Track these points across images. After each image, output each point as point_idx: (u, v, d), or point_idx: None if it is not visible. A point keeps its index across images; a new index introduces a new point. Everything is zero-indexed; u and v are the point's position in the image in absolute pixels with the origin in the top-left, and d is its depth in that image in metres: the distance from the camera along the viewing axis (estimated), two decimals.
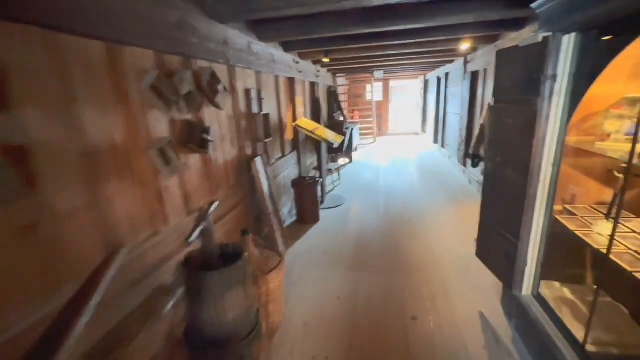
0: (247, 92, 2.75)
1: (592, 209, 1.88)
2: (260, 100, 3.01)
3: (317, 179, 3.74)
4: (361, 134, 9.81)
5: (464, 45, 3.72)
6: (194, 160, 1.99)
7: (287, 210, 3.90)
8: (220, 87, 2.15)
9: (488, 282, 2.37)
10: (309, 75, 4.77)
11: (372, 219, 3.81)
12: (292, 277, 2.65)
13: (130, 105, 1.45)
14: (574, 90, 1.49)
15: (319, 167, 4.29)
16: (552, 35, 1.48)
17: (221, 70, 2.32)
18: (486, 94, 4.33)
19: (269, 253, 2.05)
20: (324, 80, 6.25)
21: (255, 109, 2.87)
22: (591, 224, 1.69)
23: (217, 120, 2.26)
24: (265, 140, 3.01)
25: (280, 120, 3.71)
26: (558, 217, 1.80)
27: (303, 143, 4.57)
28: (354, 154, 7.72)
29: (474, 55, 4.65)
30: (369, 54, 4.28)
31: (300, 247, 3.20)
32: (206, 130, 2.04)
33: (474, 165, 3.39)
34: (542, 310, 1.72)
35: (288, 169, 3.96)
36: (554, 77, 1.49)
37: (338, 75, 7.89)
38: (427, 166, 6.36)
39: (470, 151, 3.09)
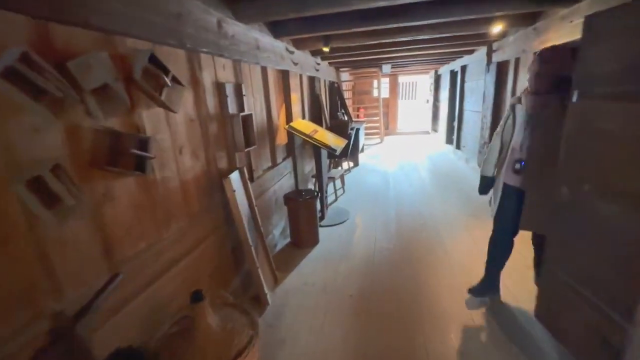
0: (220, 86, 2.10)
1: None
2: (240, 97, 2.36)
3: (316, 194, 3.08)
4: (367, 134, 9.12)
5: (496, 28, 3.01)
6: (124, 187, 1.34)
7: (280, 231, 3.25)
8: (168, 80, 1.49)
9: (549, 346, 1.70)
10: (306, 69, 4.10)
11: (382, 241, 3.14)
12: (280, 332, 2.00)
13: None
14: None
15: (318, 177, 3.63)
16: None
17: (175, 57, 1.67)
18: (518, 88, 3.61)
19: (238, 322, 1.40)
20: (326, 75, 5.57)
21: (232, 109, 2.21)
22: None
23: (168, 126, 1.61)
24: (248, 149, 2.36)
25: (270, 122, 3.05)
26: None
27: (300, 148, 3.91)
28: (360, 156, 7.05)
29: (502, 43, 3.93)
30: (377, 42, 3.59)
31: (292, 282, 2.54)
32: (143, 143, 1.39)
33: (482, 191, 2.31)
34: None
35: (281, 181, 3.30)
36: None
37: (342, 69, 7.20)
38: (442, 171, 5.66)
39: (481, 171, 2.26)
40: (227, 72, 2.22)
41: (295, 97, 3.68)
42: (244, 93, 2.39)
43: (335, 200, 4.39)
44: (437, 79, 9.09)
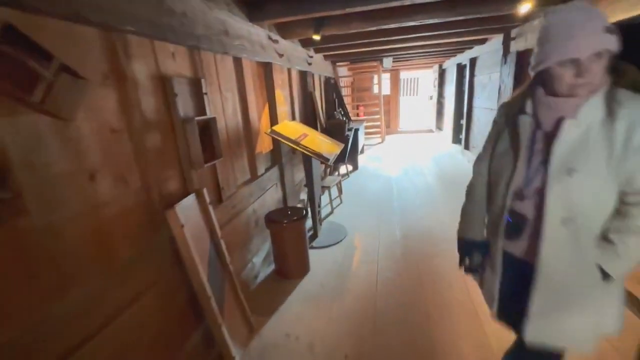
0: (164, 82, 1.54)
1: None
2: (199, 96, 1.80)
3: (304, 212, 2.52)
4: (367, 133, 8.55)
5: (524, 6, 2.44)
6: None
7: (263, 257, 2.70)
8: (49, 72, 0.94)
9: None
10: (296, 62, 3.53)
11: (386, 270, 2.59)
12: None
13: None
14: None
15: (309, 190, 3.07)
16: None
17: (75, 37, 1.11)
18: None
19: None
20: (320, 70, 5.00)
21: (184, 112, 1.66)
22: None
23: (62, 142, 1.06)
24: (211, 163, 1.81)
25: (248, 126, 2.49)
26: None
27: (289, 153, 3.36)
28: (359, 158, 6.49)
29: (524, 28, 3.35)
30: (377, 28, 3.01)
31: (272, 333, 1.99)
32: None
33: (466, 265, 1.32)
34: None
35: (264, 196, 2.75)
36: None
37: (339, 64, 6.62)
38: (451, 176, 5.09)
39: (458, 230, 1.37)
40: (178, 63, 1.66)
41: (281, 95, 3.12)
42: (204, 91, 1.83)
43: (331, 212, 3.84)
44: (442, 74, 8.50)
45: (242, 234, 2.35)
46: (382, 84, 7.70)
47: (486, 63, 4.88)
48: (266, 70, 2.87)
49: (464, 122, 6.00)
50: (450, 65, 7.36)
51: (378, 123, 8.52)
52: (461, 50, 6.03)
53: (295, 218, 2.40)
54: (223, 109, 2.12)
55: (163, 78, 1.53)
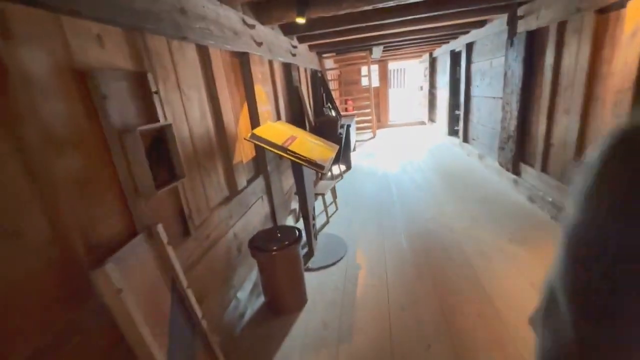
0: (82, 77, 1.05)
1: None
2: (146, 97, 1.32)
3: (298, 234, 2.06)
4: (358, 128, 8.12)
5: None
6: None
7: (250, 288, 2.23)
8: None
9: None
10: (278, 52, 3.05)
11: (398, 294, 2.17)
12: None
13: None
14: None
15: (301, 202, 2.61)
16: None
17: None
18: (567, 66, 2.64)
19: None
20: (306, 62, 4.51)
21: (121, 120, 1.17)
22: None
23: None
24: (167, 187, 1.33)
25: (221, 131, 2.01)
26: None
27: (275, 158, 2.89)
28: (351, 155, 6.06)
29: (535, 4, 2.95)
30: (372, 7, 2.56)
31: None
32: None
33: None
34: None
35: (247, 215, 2.28)
36: None
37: (325, 55, 6.14)
38: (453, 171, 4.71)
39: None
40: (108, 51, 1.17)
41: (263, 91, 2.64)
42: (154, 89, 1.35)
43: (327, 222, 3.40)
44: (433, 63, 8.11)
45: (221, 269, 1.88)
46: (371, 76, 7.25)
47: (486, 48, 4.49)
48: (242, 61, 2.38)
49: (461, 112, 5.62)
50: (442, 53, 6.98)
51: (369, 117, 8.09)
52: (455, 36, 5.63)
53: (287, 242, 1.94)
54: (185, 112, 1.63)
55: (81, 72, 1.04)
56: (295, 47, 3.71)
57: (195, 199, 1.65)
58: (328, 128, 3.71)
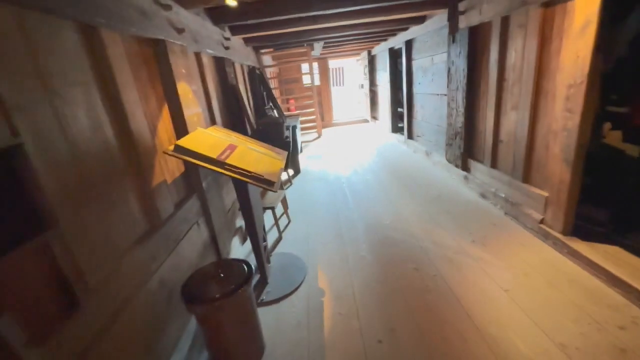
0: None
1: None
2: None
3: (248, 271, 1.62)
4: (303, 129, 7.80)
5: None
6: None
7: (188, 346, 1.73)
8: None
9: None
10: (206, 43, 2.54)
11: (371, 325, 1.88)
12: None
13: None
14: None
15: (247, 221, 2.15)
16: None
17: None
18: (511, 61, 2.63)
19: None
20: (242, 58, 4.01)
21: None
22: None
23: None
24: (15, 251, 0.81)
25: (130, 143, 1.47)
26: None
27: (214, 173, 2.38)
28: (299, 157, 5.72)
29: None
30: None
31: None
32: None
33: None
34: None
35: (177, 249, 1.76)
36: None
37: (263, 51, 5.66)
38: (403, 170, 4.65)
39: None
40: None
41: (189, 90, 2.12)
42: None
43: (279, 239, 2.99)
44: (372, 60, 8.15)
45: (140, 335, 1.36)
46: (314, 73, 6.96)
47: (426, 45, 4.49)
48: (158, 52, 1.84)
49: (404, 110, 5.64)
50: (381, 50, 7.00)
51: (313, 117, 7.81)
52: (394, 33, 5.62)
53: (233, 286, 1.49)
54: (61, 121, 1.09)
55: None
56: (227, 39, 3.20)
57: (88, 249, 1.12)
58: (273, 131, 3.29)
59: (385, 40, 6.42)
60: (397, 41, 5.66)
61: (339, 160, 5.61)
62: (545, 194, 2.38)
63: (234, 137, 2.25)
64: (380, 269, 2.37)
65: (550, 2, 2.15)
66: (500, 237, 2.58)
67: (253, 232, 2.15)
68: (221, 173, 1.62)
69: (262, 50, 5.60)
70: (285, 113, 7.68)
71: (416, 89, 5.11)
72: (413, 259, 2.43)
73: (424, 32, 4.37)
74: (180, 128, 1.97)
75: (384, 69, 7.00)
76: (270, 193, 3.11)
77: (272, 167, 1.89)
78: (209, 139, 1.87)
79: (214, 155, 1.66)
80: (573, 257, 2.16)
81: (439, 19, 3.82)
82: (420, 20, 4.29)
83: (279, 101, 8.28)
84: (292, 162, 4.93)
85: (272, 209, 2.88)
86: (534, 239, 2.49)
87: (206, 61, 2.66)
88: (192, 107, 2.14)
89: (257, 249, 2.21)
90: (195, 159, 1.60)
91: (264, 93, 5.30)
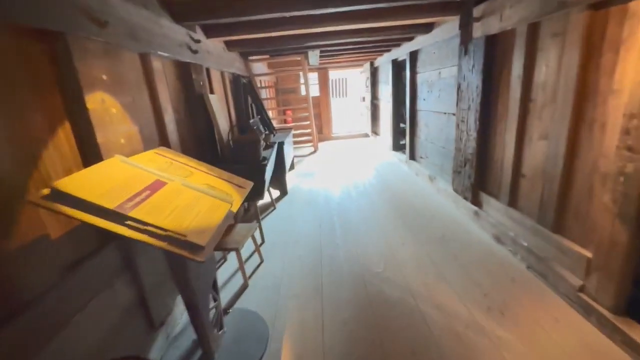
0: None
1: None
2: None
3: None
4: (297, 142, 7.28)
5: None
6: None
7: None
8: None
9: None
10: (158, 43, 2.01)
11: None
12: None
13: None
14: None
15: (183, 292, 1.58)
16: None
17: None
18: (553, 78, 2.08)
19: None
20: (222, 64, 3.51)
21: None
22: None
23: None
24: None
25: None
26: None
27: None
28: (289, 175, 5.18)
29: (498, 3, 2.39)
30: None
31: None
32: None
33: None
34: None
35: (63, 337, 1.19)
36: None
37: (253, 58, 5.17)
38: (402, 196, 4.08)
39: None
40: None
41: (112, 104, 1.58)
42: None
43: (245, 286, 2.41)
44: (375, 72, 7.67)
45: None
46: (309, 83, 6.47)
47: (433, 56, 3.98)
48: (56, 49, 1.31)
49: (407, 127, 5.10)
50: (384, 62, 6.51)
51: (309, 130, 7.29)
52: (398, 43, 5.13)
53: None
54: None
55: None
56: (197, 41, 2.69)
57: None
58: (246, 154, 2.75)
59: (388, 51, 5.93)
60: (402, 52, 5.16)
61: (333, 179, 5.05)
62: (588, 254, 1.80)
63: (177, 166, 1.71)
64: (365, 347, 1.77)
65: (602, 4, 1.61)
66: (523, 303, 1.99)
67: (191, 305, 1.57)
68: (116, 234, 1.06)
69: (252, 57, 5.12)
70: (281, 125, 7.19)
71: (420, 105, 4.58)
72: (410, 334, 1.84)
73: (431, 42, 3.86)
74: (91, 155, 1.42)
75: (386, 82, 6.50)
76: (237, 228, 2.55)
77: (211, 218, 1.32)
78: (121, 173, 1.31)
79: (111, 203, 1.11)
80: (627, 346, 1.56)
81: (448, 27, 3.31)
82: (427, 28, 3.78)
83: (275, 112, 7.82)
84: (277, 182, 4.38)
85: (236, 250, 2.31)
86: (571, 311, 1.90)
87: (158, 66, 2.14)
88: (118, 125, 1.60)
89: (197, 322, 1.62)
90: (79, 209, 1.05)
91: (252, 105, 4.79)
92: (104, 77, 1.52)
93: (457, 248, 2.70)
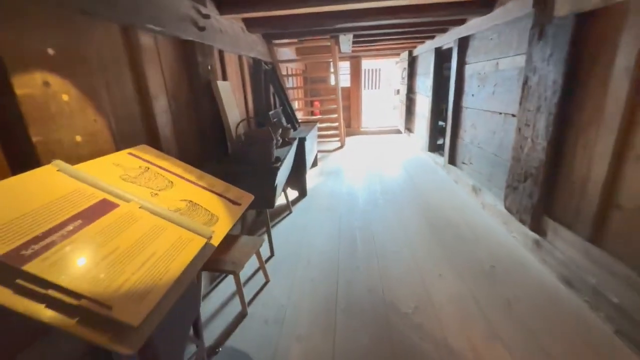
0: None
1: None
2: None
3: None
4: (323, 135, 6.79)
5: None
6: None
7: None
8: None
9: None
10: (147, 14, 1.60)
11: None
12: None
13: None
14: None
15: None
16: None
17: None
18: None
19: None
20: (240, 47, 3.08)
21: None
22: None
23: None
24: None
25: None
26: None
27: None
28: (310, 173, 4.75)
29: None
30: None
31: None
32: None
33: None
34: None
35: None
36: None
37: (278, 42, 4.71)
38: (439, 209, 3.49)
39: None
40: None
41: (60, 90, 1.19)
42: None
43: (244, 315, 2.00)
44: (413, 62, 6.94)
45: None
46: (339, 72, 5.91)
47: (490, 43, 3.29)
48: None
49: (447, 126, 4.44)
50: (425, 51, 5.80)
51: (336, 124, 6.76)
52: (444, 29, 4.44)
53: None
54: None
55: None
56: (206, 16, 2.26)
57: None
58: (257, 152, 2.31)
59: (431, 38, 5.22)
60: (447, 39, 4.46)
61: (358, 181, 4.53)
62: None
63: (152, 173, 1.29)
64: None
65: None
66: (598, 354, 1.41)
67: None
68: None
69: (278, 41, 4.65)
70: (304, 119, 6.73)
71: (467, 101, 3.91)
72: None
73: (489, 25, 3.18)
74: (23, 158, 1.03)
75: (425, 74, 5.80)
76: (240, 243, 2.14)
77: (167, 266, 0.89)
78: (50, 190, 0.91)
79: (3, 245, 0.70)
80: None
81: (516, 4, 2.63)
82: (487, 7, 3.09)
83: (302, 103, 7.35)
84: (296, 182, 3.94)
85: (234, 274, 1.90)
86: None
87: (149, 43, 1.73)
88: (72, 117, 1.20)
89: None
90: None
91: (274, 95, 4.35)
92: (50, 51, 1.12)
93: (512, 289, 2.12)
